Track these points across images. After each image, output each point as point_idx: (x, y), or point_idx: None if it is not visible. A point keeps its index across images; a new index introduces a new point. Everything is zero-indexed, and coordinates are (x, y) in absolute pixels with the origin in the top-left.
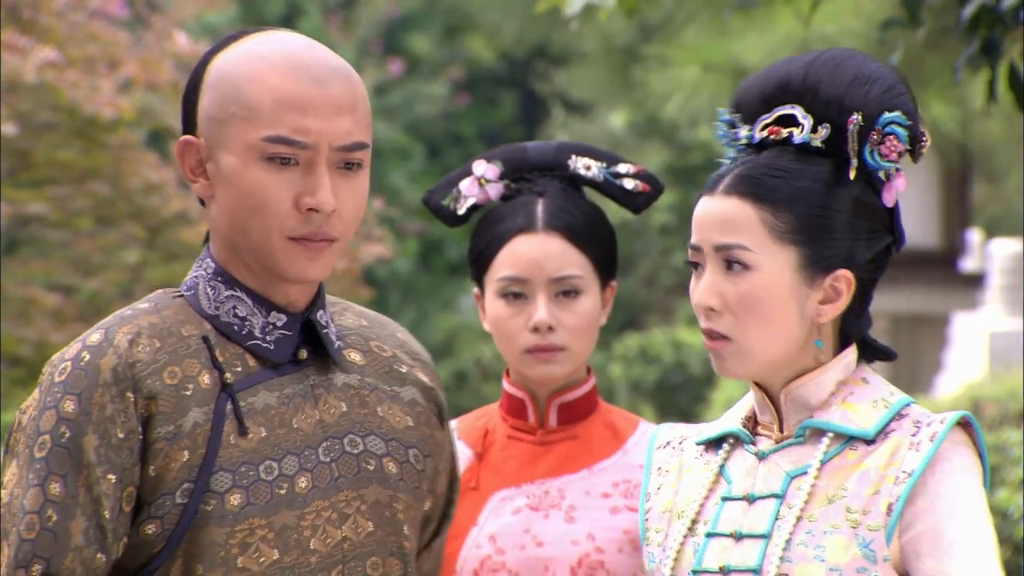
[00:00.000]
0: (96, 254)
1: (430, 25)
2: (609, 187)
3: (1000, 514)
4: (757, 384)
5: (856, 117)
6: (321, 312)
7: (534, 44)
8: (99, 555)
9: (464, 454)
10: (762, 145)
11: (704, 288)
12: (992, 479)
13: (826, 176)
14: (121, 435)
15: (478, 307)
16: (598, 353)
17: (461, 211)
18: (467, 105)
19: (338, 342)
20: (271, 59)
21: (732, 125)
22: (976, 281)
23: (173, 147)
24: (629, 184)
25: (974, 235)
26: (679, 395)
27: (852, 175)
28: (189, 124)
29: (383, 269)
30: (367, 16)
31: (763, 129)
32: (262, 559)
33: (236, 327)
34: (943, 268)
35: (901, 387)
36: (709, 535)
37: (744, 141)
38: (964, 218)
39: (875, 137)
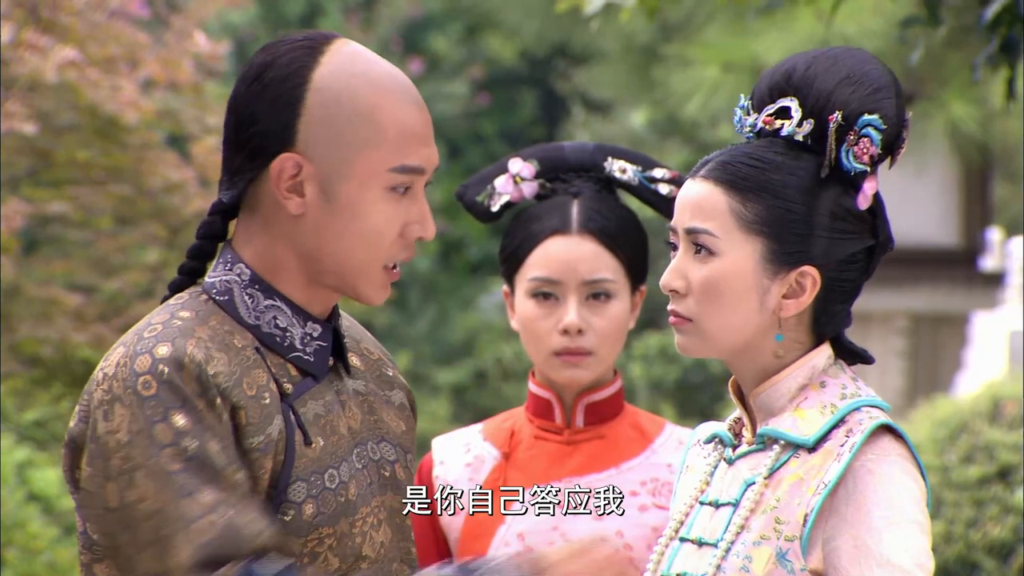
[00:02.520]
0: (117, 254)
1: (450, 25)
2: (643, 191)
3: (1020, 514)
4: (735, 387)
5: (836, 115)
6: (339, 320)
7: (554, 43)
8: (277, 535)
9: (491, 454)
10: (760, 134)
11: (670, 270)
12: (1012, 479)
13: (806, 172)
14: (226, 438)
15: (507, 305)
16: None
17: (495, 208)
18: (487, 104)
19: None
20: (385, 84)
21: (748, 112)
22: (996, 280)
23: (194, 148)
24: (664, 189)
25: (994, 234)
26: (699, 394)
27: (823, 173)
28: (282, 139)
29: (403, 268)
30: (387, 16)
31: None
32: (328, 567)
33: (278, 338)
34: (963, 267)
35: (921, 386)
36: (682, 539)
37: (748, 129)
38: (984, 217)
39: (851, 138)
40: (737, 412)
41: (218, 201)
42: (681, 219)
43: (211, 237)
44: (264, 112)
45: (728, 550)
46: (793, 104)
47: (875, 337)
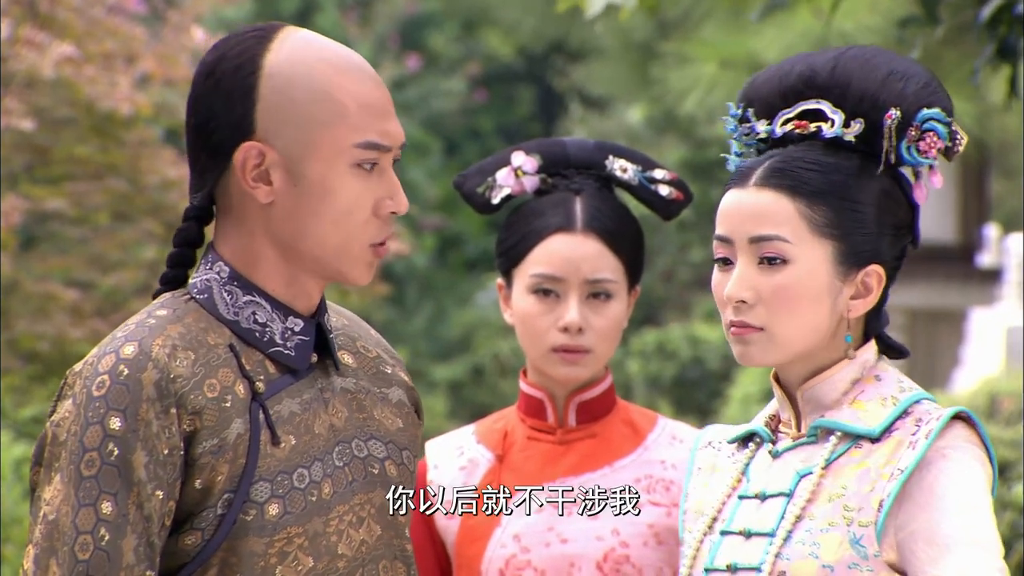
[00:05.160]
0: (114, 250)
1: (448, 21)
2: (642, 191)
3: (1018, 510)
4: (777, 382)
5: (894, 113)
6: (326, 316)
7: (552, 40)
8: (148, 572)
9: (485, 457)
10: (783, 140)
11: (736, 281)
12: (1010, 474)
13: (855, 171)
14: (166, 451)
15: (500, 297)
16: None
17: (495, 200)
18: (485, 101)
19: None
20: (339, 63)
21: (745, 120)
22: (993, 276)
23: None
24: (664, 190)
25: (991, 230)
26: (696, 391)
27: (880, 170)
28: (241, 129)
29: (400, 264)
30: (385, 12)
31: (785, 123)
32: (300, 567)
33: (257, 333)
34: (960, 263)
35: (918, 382)
36: (723, 533)
37: (762, 135)
38: (981, 213)
39: (913, 133)
40: (770, 409)
41: (191, 206)
42: (743, 229)
43: (189, 244)
44: (220, 107)
45: (787, 539)
46: (826, 106)
47: None
